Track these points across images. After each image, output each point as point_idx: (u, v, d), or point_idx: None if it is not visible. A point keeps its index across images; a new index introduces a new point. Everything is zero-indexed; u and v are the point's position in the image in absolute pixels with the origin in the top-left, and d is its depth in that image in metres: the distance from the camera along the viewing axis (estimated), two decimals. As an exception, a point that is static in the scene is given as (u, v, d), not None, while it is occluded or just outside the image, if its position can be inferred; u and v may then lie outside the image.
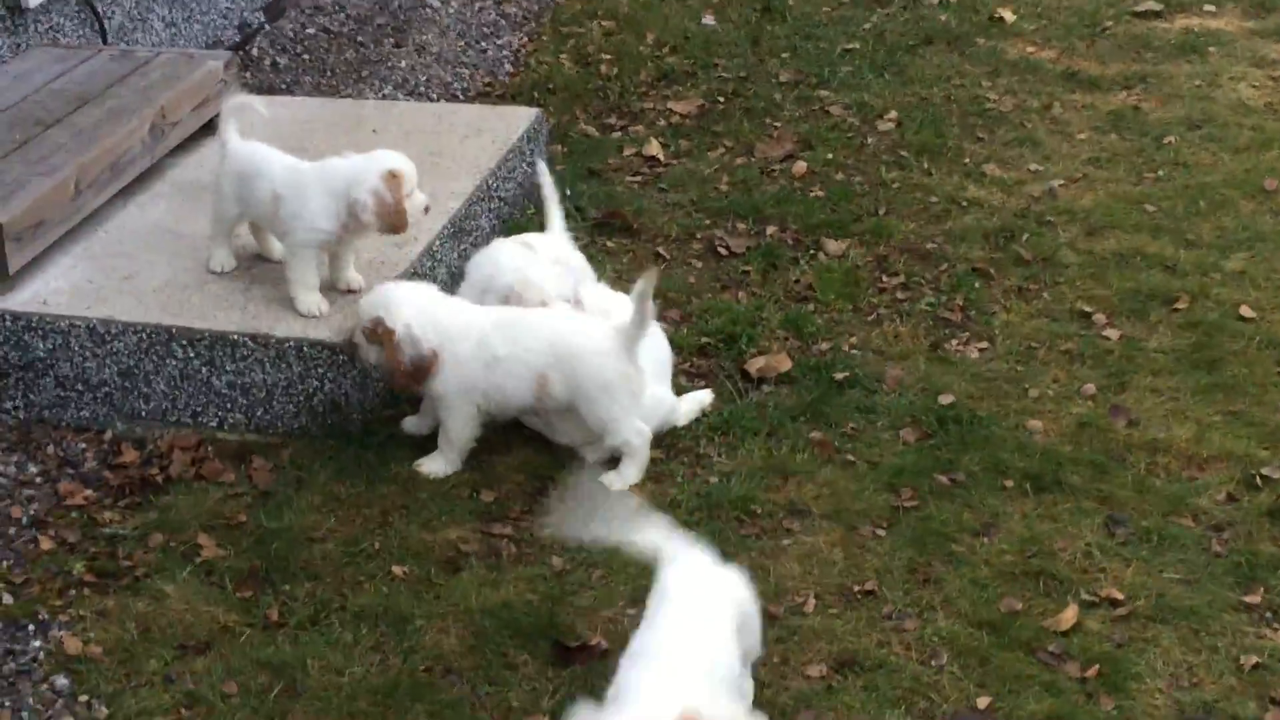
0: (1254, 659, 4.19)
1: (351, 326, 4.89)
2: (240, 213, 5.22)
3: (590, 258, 5.96)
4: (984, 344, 5.54)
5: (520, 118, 6.36)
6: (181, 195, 5.73)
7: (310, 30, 8.00)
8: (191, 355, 4.98)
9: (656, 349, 5.04)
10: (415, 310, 4.78)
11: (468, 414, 4.84)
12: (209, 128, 6.10)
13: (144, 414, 5.08)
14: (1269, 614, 4.35)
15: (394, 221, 4.95)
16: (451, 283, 5.56)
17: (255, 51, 7.70)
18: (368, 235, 5.15)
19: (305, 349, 4.92)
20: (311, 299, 5.02)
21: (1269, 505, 4.71)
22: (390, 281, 5.00)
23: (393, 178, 4.92)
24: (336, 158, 5.05)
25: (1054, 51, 7.82)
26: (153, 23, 7.01)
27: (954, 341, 5.56)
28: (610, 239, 6.19)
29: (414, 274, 5.29)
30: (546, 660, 4.19)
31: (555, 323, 4.85)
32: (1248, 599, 4.38)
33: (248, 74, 7.41)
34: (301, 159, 5.18)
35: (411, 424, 5.02)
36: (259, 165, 5.12)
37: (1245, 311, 5.63)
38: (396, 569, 4.51)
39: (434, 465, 4.88)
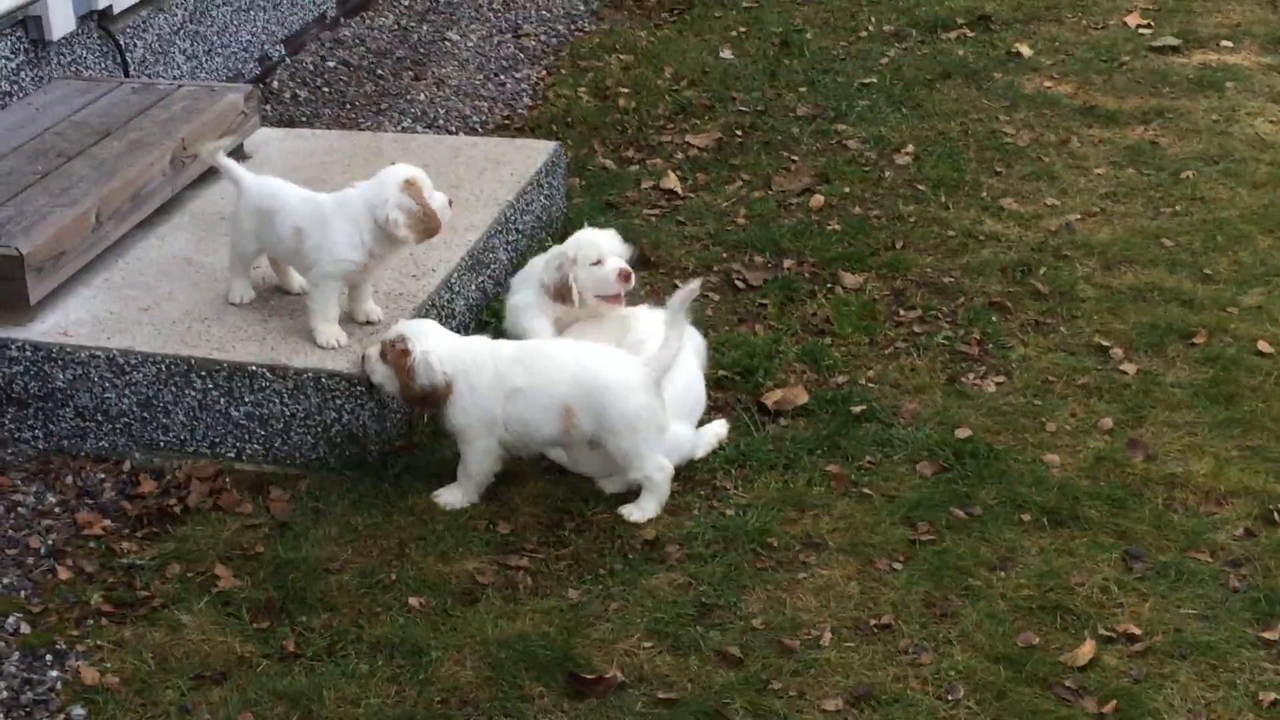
0: (1272, 695, 4.16)
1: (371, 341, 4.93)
2: (259, 248, 5.24)
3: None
4: (1001, 378, 5.54)
5: (538, 151, 6.38)
6: (201, 227, 5.77)
7: (330, 63, 8.06)
8: (210, 386, 5.00)
9: (689, 386, 5.06)
10: (437, 343, 4.80)
11: (488, 448, 4.85)
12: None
13: (162, 444, 5.10)
14: (1287, 649, 4.34)
15: (428, 225, 4.98)
16: (469, 314, 5.59)
17: (276, 84, 7.75)
18: (389, 264, 5.17)
19: (323, 380, 4.94)
20: (331, 331, 5.04)
21: (1287, 541, 4.70)
22: (422, 320, 5.02)
23: (410, 185, 4.95)
24: (350, 188, 5.08)
25: (1071, 86, 7.83)
26: (174, 56, 7.06)
27: (971, 375, 5.56)
28: (628, 271, 6.19)
29: (432, 306, 5.31)
30: (562, 692, 4.19)
31: (580, 355, 4.86)
32: (1266, 635, 4.36)
33: (268, 107, 7.46)
34: (317, 191, 5.20)
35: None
36: (277, 201, 5.14)
37: (1263, 346, 5.62)
38: (413, 600, 4.51)
39: (451, 496, 4.88)
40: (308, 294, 5.10)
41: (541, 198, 6.25)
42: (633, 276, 5.20)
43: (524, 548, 4.74)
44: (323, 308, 5.03)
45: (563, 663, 4.26)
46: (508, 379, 4.78)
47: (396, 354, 4.77)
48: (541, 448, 4.95)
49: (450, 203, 5.07)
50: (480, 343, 4.93)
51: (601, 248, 5.19)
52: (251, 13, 7.65)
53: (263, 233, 5.17)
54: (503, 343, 4.97)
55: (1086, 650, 4.31)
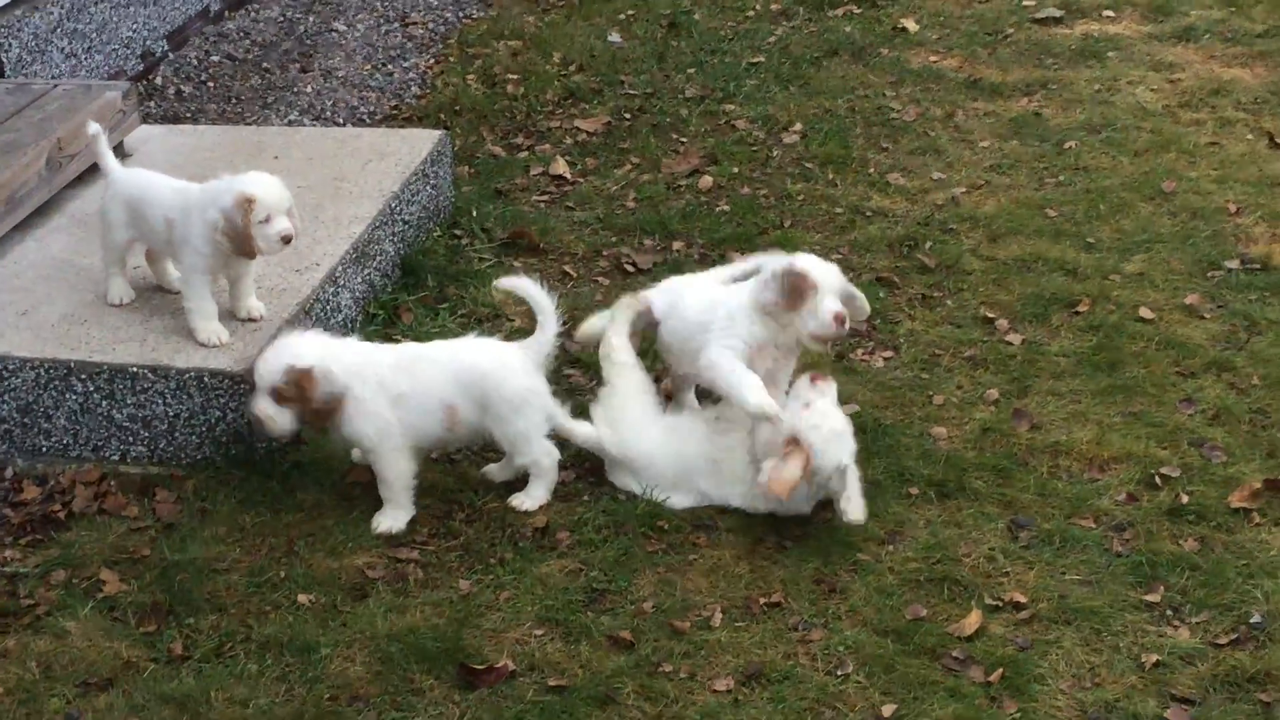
0: (1154, 657, 4.23)
1: (255, 397, 4.74)
2: (131, 238, 5.17)
3: (496, 278, 5.96)
4: (889, 352, 5.58)
5: (424, 140, 6.34)
6: (80, 228, 5.69)
7: (215, 58, 7.97)
8: (91, 389, 4.94)
9: None
10: (322, 352, 4.72)
11: (393, 450, 4.77)
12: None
13: (45, 450, 5.03)
14: (1169, 611, 4.39)
15: (241, 246, 4.87)
16: (355, 307, 5.55)
17: (159, 80, 7.67)
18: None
19: (206, 379, 4.89)
20: (211, 328, 4.98)
21: (1168, 504, 4.77)
22: (282, 338, 4.84)
23: (246, 202, 4.83)
24: (216, 180, 5.00)
25: (956, 60, 7.89)
26: (52, 54, 6.95)
27: (859, 350, 5.59)
28: (517, 258, 6.19)
29: (316, 300, 5.27)
30: (453, 684, 4.18)
31: (456, 351, 4.84)
32: (1148, 598, 4.43)
33: (151, 103, 7.38)
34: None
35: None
36: (147, 191, 5.08)
37: (1144, 313, 5.69)
38: (302, 597, 4.48)
39: (389, 521, 4.77)
40: (182, 291, 5.03)
41: (428, 187, 6.22)
42: (847, 321, 4.76)
43: (414, 540, 4.72)
44: (198, 304, 4.97)
45: (453, 654, 4.25)
46: (392, 386, 4.74)
47: (297, 382, 4.65)
48: (435, 447, 4.92)
49: (289, 239, 4.91)
50: (361, 349, 4.87)
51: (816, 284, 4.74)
52: (131, 8, 7.55)
53: (134, 222, 5.11)
54: (383, 348, 4.91)
55: (973, 620, 4.35)
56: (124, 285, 5.22)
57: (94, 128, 5.24)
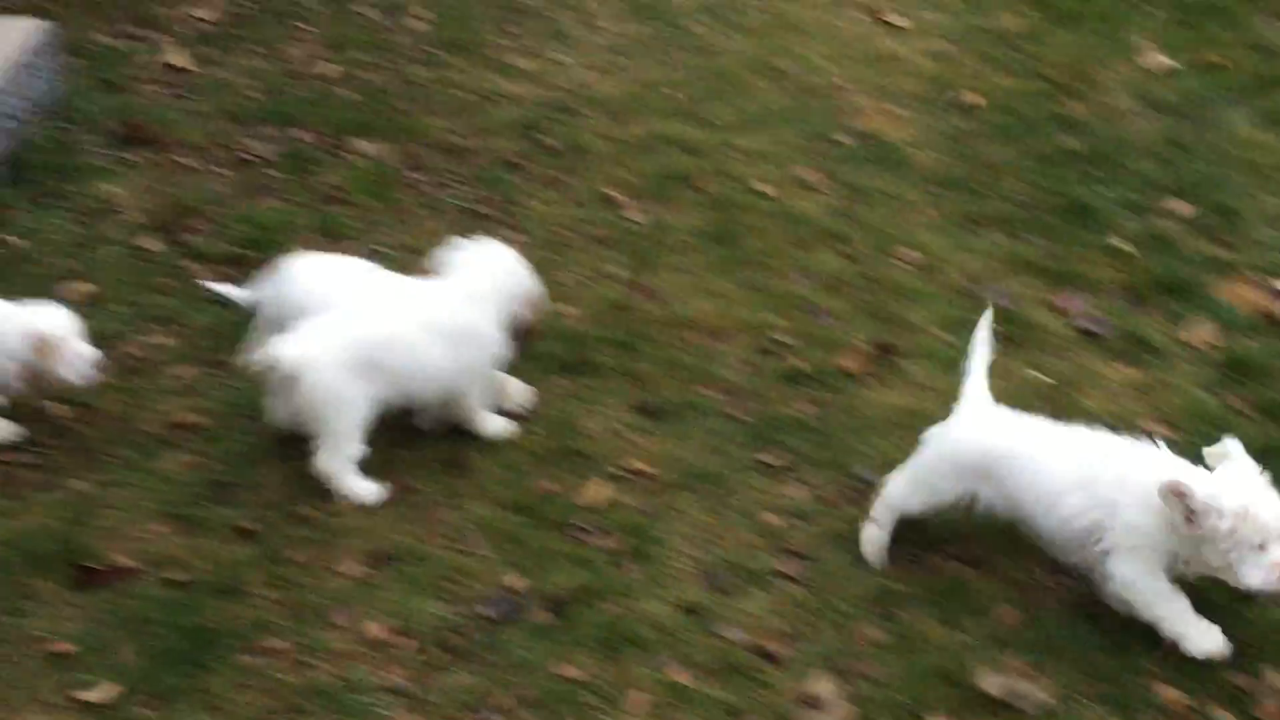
0: (772, 516, 4.41)
1: None
2: None
3: (111, 173, 5.78)
4: (519, 235, 5.59)
5: (25, 30, 6.03)
6: None
7: None
8: None
9: None
10: None
11: None
12: None
13: None
14: (784, 470, 4.57)
15: (46, 388, 4.52)
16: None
17: None
18: None
19: None
20: None
21: (783, 370, 4.95)
22: None
23: (44, 346, 4.43)
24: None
25: (582, -57, 7.89)
26: None
27: (487, 234, 5.59)
28: (134, 152, 5.97)
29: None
30: (69, 585, 4.07)
31: None
32: (762, 458, 4.60)
33: None
34: None
35: None
36: None
37: (761, 187, 5.86)
38: (-96, 505, 4.30)
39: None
40: None
41: (34, 80, 5.91)
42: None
43: (28, 443, 4.54)
44: None
45: (68, 555, 4.14)
46: None
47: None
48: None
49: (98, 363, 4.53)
50: None
51: (1269, 530, 3.91)
52: None
53: None
54: None
55: (598, 490, 4.45)
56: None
57: None
